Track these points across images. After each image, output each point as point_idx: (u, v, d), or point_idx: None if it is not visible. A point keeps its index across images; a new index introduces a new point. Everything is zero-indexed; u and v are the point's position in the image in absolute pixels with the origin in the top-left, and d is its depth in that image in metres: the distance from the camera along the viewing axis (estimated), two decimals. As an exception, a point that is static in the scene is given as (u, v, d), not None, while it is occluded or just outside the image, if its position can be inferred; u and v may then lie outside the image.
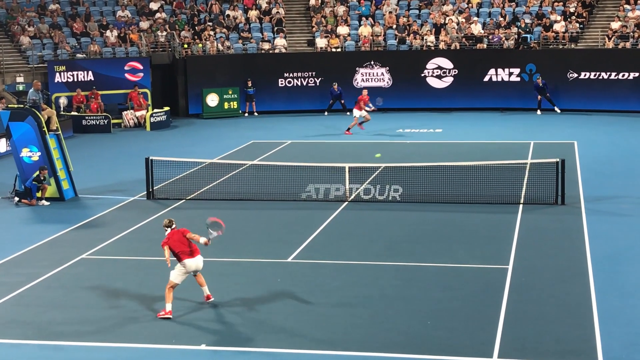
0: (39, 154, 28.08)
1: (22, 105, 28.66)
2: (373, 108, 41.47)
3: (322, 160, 31.72)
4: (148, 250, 21.91)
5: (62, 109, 44.28)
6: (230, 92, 48.24)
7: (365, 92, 42.50)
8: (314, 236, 23.31)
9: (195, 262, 17.54)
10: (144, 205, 27.47)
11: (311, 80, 49.15)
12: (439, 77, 47.38)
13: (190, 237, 17.40)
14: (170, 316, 17.00)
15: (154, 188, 28.54)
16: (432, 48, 48.08)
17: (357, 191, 28.00)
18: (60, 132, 28.98)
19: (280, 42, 49.39)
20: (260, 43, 49.37)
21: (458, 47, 47.72)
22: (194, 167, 32.07)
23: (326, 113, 47.71)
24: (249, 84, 47.40)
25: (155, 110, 45.80)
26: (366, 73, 48.42)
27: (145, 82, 47.10)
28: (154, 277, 19.57)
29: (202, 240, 17.46)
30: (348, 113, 45.35)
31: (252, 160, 33.00)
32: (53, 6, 48.63)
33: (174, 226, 17.65)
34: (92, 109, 44.26)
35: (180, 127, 45.69)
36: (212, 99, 48.15)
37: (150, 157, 28.59)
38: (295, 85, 49.18)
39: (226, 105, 48.21)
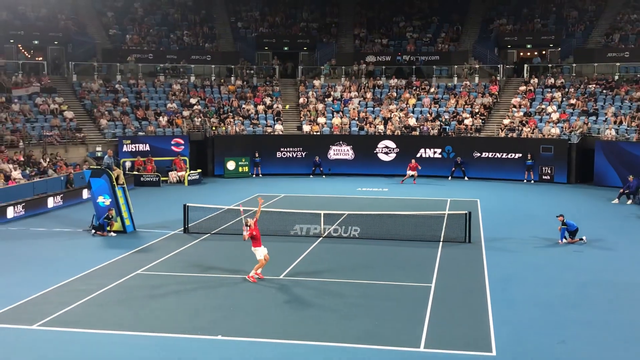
0: (109, 200, 26.59)
1: (99, 167, 27.71)
2: (413, 175, 40.48)
3: (306, 207, 29.60)
4: (184, 269, 20.72)
5: (127, 170, 41.56)
6: (243, 160, 45.17)
7: (413, 161, 41.78)
8: (298, 260, 22.05)
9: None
10: (181, 237, 25.71)
11: (299, 153, 46.29)
12: (386, 153, 45.17)
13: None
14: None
15: (189, 225, 26.76)
16: (382, 133, 46.33)
17: (329, 230, 26.34)
18: (125, 185, 27.41)
19: (279, 127, 47.53)
20: (265, 128, 47.46)
21: (399, 133, 46.08)
22: (217, 211, 29.56)
23: (311, 176, 45.05)
24: (256, 154, 45.09)
25: (191, 172, 42.77)
26: (336, 149, 45.82)
27: (185, 152, 44.36)
28: (188, 287, 18.73)
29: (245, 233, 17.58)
30: (324, 176, 43.72)
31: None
32: (124, 99, 47.02)
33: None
34: (148, 170, 41.62)
35: (208, 184, 42.04)
36: (230, 165, 44.97)
37: (187, 204, 26.99)
38: (288, 156, 46.23)
39: (240, 169, 44.90)
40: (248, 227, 17.96)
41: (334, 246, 24.23)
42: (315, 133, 47.53)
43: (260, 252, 18.57)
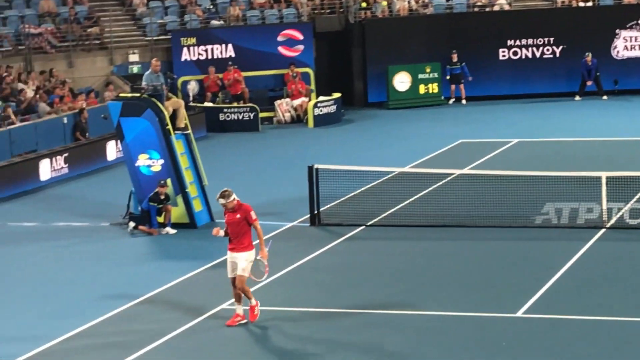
0: (161, 162, 20.50)
1: (137, 94, 21.23)
2: None
3: (567, 167, 23.21)
4: (312, 300, 16.13)
5: (191, 99, 33.23)
6: (427, 70, 34.69)
7: None
8: (555, 279, 16.75)
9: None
10: (306, 234, 20.05)
11: (548, 50, 35.46)
12: None
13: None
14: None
15: (320, 209, 20.54)
16: None
17: (620, 213, 19.95)
18: (190, 131, 21.39)
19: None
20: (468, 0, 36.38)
21: None
22: (377, 179, 23.27)
23: (577, 98, 34.75)
24: (454, 58, 34.84)
25: (321, 99, 33.44)
26: (631, 38, 35.26)
27: (307, 59, 34.70)
28: (321, 331, 14.66)
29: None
30: (605, 97, 34.33)
31: (461, 169, 23.60)
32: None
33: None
34: (234, 91, 33.11)
35: (356, 122, 33.75)
36: (401, 81, 34.87)
37: (315, 166, 20.55)
38: (524, 57, 35.54)
39: (422, 89, 35.19)
40: None
41: (632, 247, 18.68)
42: (581, 4, 36.68)
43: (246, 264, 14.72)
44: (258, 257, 13.90)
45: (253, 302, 13.61)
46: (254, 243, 13.95)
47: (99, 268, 17.82)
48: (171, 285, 16.20)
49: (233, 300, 14.24)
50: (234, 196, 13.68)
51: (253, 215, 13.69)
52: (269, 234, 19.34)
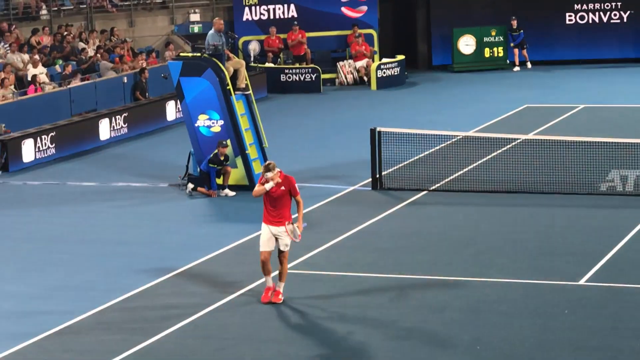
0: (221, 122, 20.47)
1: (198, 54, 21.22)
2: None
3: (633, 134, 22.73)
4: (373, 264, 15.97)
5: (252, 59, 32.98)
6: (493, 34, 34.86)
7: None
8: (618, 248, 16.57)
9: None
10: (368, 199, 19.87)
11: (615, 15, 34.93)
12: None
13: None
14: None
15: (383, 173, 20.37)
16: None
17: None
18: (251, 91, 21.27)
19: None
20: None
21: None
22: (440, 143, 22.94)
23: None
24: (514, 24, 34.65)
25: (384, 61, 33.22)
26: None
27: (370, 20, 34.52)
28: (379, 297, 14.64)
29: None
30: None
31: (526, 134, 23.42)
32: None
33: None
34: (297, 52, 33.39)
35: (419, 85, 33.64)
36: (466, 44, 35.15)
37: (378, 128, 20.41)
38: (590, 22, 35.09)
39: (488, 53, 35.16)
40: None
41: None
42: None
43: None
44: (296, 225, 13.57)
45: (282, 285, 13.36)
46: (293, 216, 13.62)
47: (157, 229, 17.73)
48: (228, 249, 15.81)
49: (276, 272, 13.72)
50: (277, 168, 13.50)
51: (297, 187, 13.47)
52: (330, 198, 19.47)
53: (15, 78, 25.16)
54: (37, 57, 26.04)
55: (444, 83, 33.17)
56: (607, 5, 33.98)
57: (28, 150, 22.40)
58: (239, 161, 19.42)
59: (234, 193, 19.19)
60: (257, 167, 19.91)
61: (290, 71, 31.54)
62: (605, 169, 19.39)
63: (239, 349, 12.14)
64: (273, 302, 13.05)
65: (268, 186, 12.90)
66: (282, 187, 13.01)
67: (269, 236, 13.01)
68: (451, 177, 20.00)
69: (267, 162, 13.49)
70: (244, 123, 19.64)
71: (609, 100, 28.67)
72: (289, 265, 13.61)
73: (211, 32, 20.28)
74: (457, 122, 25.98)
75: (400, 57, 32.84)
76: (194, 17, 33.06)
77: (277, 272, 13.32)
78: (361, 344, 11.83)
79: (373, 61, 32.46)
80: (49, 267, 15.25)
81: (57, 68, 27.01)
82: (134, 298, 13.88)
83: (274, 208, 13.05)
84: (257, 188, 13.09)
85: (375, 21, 33.87)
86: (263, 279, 13.40)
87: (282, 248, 12.85)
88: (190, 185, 19.36)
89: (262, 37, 32.95)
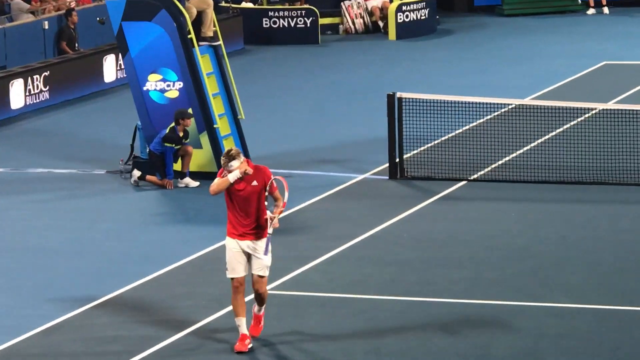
0: (179, 85, 19.10)
1: None
2: None
3: None
4: (390, 284, 14.60)
5: None
6: None
7: None
8: None
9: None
10: (384, 191, 18.89)
11: None
12: None
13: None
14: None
15: (404, 157, 19.11)
16: None
17: None
18: (221, 42, 19.68)
19: None
20: None
21: None
22: (483, 116, 20.94)
23: None
24: None
25: (405, 1, 30.36)
26: None
27: None
28: (396, 329, 13.08)
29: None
30: None
31: (604, 103, 21.29)
32: None
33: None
34: None
35: (455, 34, 31.26)
36: None
37: (398, 94, 18.93)
38: None
39: None
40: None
41: None
42: None
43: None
44: (273, 216, 12.13)
45: (262, 309, 11.99)
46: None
47: (89, 234, 16.40)
48: (188, 261, 14.85)
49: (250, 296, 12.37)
50: (242, 156, 11.85)
51: (274, 182, 11.94)
52: (332, 190, 18.45)
53: None
54: None
55: (490, 32, 31.25)
56: None
57: None
58: (204, 139, 18.43)
59: (197, 183, 18.13)
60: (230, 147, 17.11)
61: (277, 14, 29.68)
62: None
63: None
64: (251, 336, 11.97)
65: (232, 176, 11.20)
66: (254, 182, 11.34)
67: (239, 256, 11.53)
68: (499, 163, 18.99)
69: (229, 148, 12.17)
70: (211, 86, 18.56)
71: None
72: (272, 285, 12.94)
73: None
74: (508, 85, 24.58)
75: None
76: None
77: (251, 296, 12.04)
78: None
79: (391, 1, 29.81)
80: None
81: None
82: (53, 330, 12.71)
83: (244, 214, 11.51)
84: (217, 181, 11.48)
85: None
86: (235, 316, 12.06)
87: (260, 272, 11.29)
88: (137, 173, 18.16)
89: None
